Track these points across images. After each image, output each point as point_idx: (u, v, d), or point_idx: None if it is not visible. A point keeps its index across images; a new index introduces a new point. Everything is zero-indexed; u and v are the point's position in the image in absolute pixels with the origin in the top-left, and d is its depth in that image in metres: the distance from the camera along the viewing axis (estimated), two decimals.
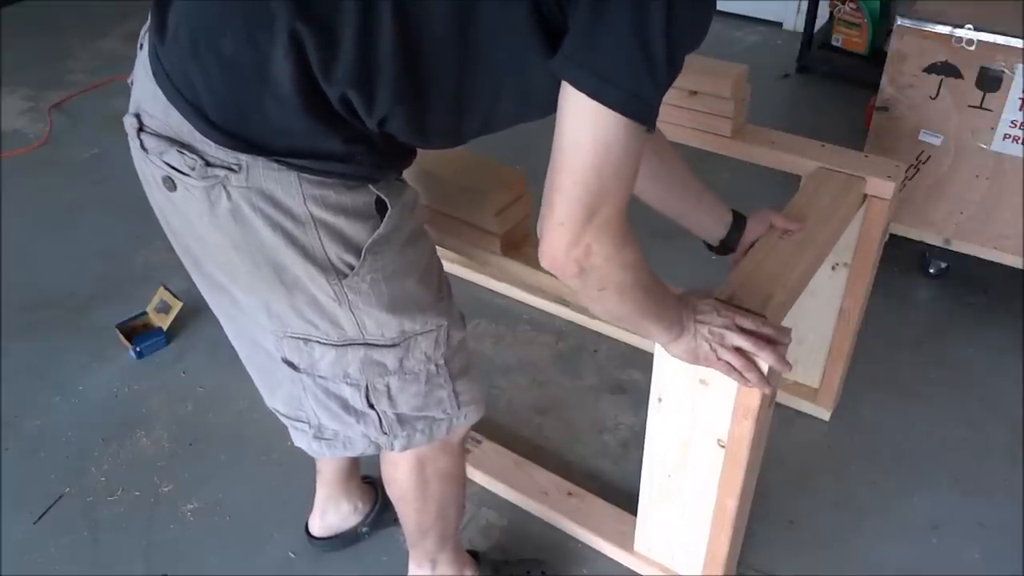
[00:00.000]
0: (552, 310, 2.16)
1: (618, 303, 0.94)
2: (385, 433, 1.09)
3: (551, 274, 0.87)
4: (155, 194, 0.94)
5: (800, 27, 3.40)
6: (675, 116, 1.64)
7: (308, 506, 1.58)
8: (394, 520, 1.60)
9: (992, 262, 2.04)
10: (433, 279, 1.04)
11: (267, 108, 0.82)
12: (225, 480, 1.74)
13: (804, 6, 3.32)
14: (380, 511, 1.58)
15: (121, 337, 2.06)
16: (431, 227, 1.37)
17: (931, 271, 2.22)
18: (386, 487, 1.27)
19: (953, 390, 1.92)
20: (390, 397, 1.05)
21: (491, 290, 2.24)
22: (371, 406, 1.05)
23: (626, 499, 1.60)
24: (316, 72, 0.79)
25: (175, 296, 2.08)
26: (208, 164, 0.84)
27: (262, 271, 0.91)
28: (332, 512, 1.56)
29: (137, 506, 1.70)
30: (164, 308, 2.09)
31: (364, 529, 1.58)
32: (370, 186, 0.90)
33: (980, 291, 2.19)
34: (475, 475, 1.71)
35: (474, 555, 1.48)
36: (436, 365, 1.06)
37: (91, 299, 2.24)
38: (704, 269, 2.29)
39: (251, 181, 0.84)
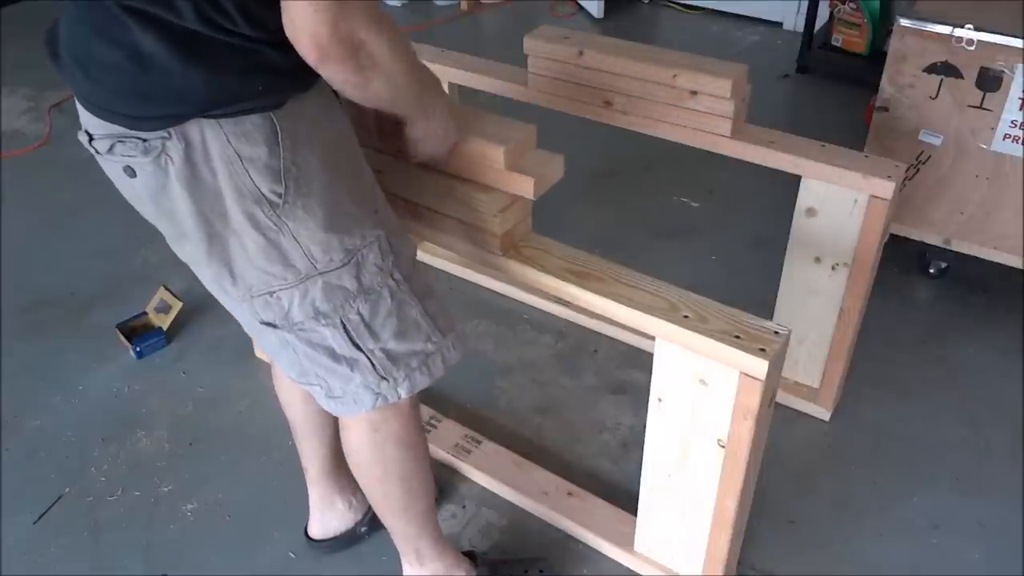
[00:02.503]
0: (552, 310, 2.16)
1: (386, 83, 0.97)
2: (384, 378, 1.12)
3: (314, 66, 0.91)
4: (126, 189, 1.02)
5: (800, 27, 3.40)
6: (675, 116, 1.64)
7: (308, 506, 1.58)
8: None
9: (992, 262, 2.04)
10: (363, 193, 1.08)
11: (163, 82, 0.89)
12: (225, 480, 1.74)
13: (804, 6, 3.32)
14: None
15: (121, 337, 2.06)
16: (430, 226, 1.37)
17: (931, 271, 2.22)
18: (348, 461, 1.29)
19: (953, 390, 1.92)
20: (368, 327, 1.08)
21: (491, 290, 2.24)
22: (357, 347, 1.09)
23: (626, 499, 1.60)
24: (167, 17, 0.86)
25: (175, 296, 2.08)
26: (146, 141, 0.92)
27: (215, 226, 0.98)
28: (328, 512, 1.56)
29: (137, 506, 1.70)
30: (164, 308, 2.09)
31: (363, 528, 1.58)
32: (271, 114, 0.94)
33: (980, 291, 2.19)
34: (475, 475, 1.71)
35: (472, 556, 1.48)
36: (394, 279, 1.09)
37: (91, 299, 2.24)
38: (704, 269, 2.30)
39: (185, 140, 0.92)
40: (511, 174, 1.24)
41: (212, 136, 0.91)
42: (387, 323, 1.10)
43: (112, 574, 1.58)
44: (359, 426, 1.21)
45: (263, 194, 0.95)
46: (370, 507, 1.58)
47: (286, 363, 1.14)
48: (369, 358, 1.10)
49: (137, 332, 2.07)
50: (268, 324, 1.07)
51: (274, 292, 1.03)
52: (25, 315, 2.19)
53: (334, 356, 1.09)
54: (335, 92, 1.09)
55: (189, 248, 1.03)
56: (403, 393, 1.15)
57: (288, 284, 1.02)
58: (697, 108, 1.61)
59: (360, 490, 1.58)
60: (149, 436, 1.85)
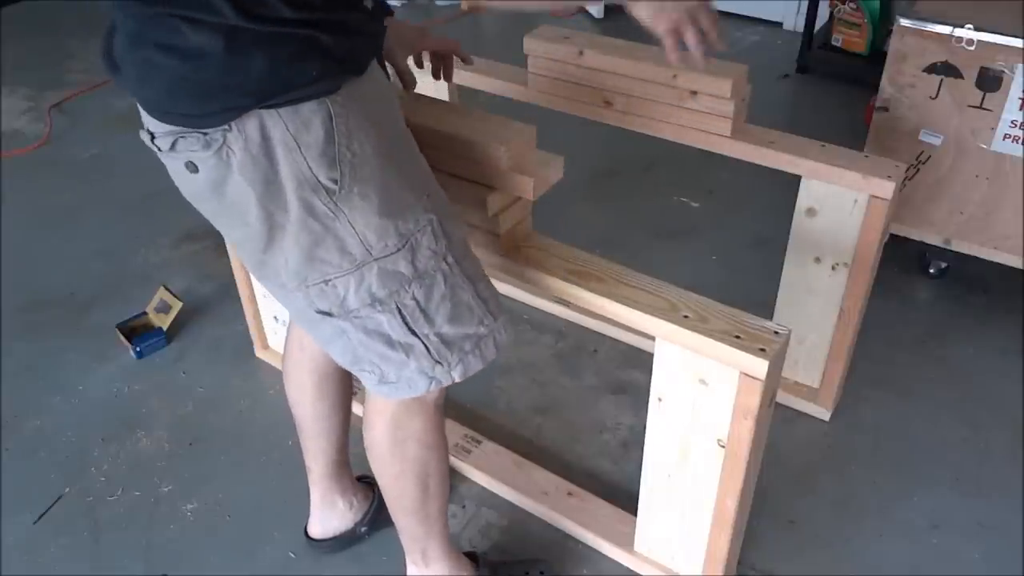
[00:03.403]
0: (552, 310, 2.16)
1: None
2: (439, 362, 1.12)
3: None
4: (187, 185, 1.02)
5: (800, 27, 3.40)
6: (675, 116, 1.64)
7: (308, 506, 1.58)
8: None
9: (992, 262, 2.04)
10: (416, 178, 1.07)
11: (217, 79, 0.89)
12: (225, 480, 1.74)
13: (804, 6, 3.32)
14: (378, 510, 1.58)
15: (121, 337, 2.06)
16: None
17: (931, 271, 2.22)
18: (368, 455, 1.29)
19: (953, 390, 1.92)
20: (424, 312, 1.08)
21: None
22: (412, 332, 1.09)
23: (626, 499, 1.60)
24: (211, 19, 0.86)
25: (175, 296, 2.08)
26: (206, 134, 0.93)
27: (276, 217, 0.98)
28: (329, 512, 1.56)
29: (137, 506, 1.70)
30: (164, 308, 2.09)
31: (363, 529, 1.58)
32: (327, 99, 0.94)
33: (980, 291, 2.19)
34: (475, 475, 1.71)
35: (473, 557, 1.48)
36: (447, 263, 1.09)
37: (91, 299, 2.24)
38: (704, 269, 2.30)
39: (244, 132, 0.92)
40: (511, 174, 1.24)
41: (271, 125, 0.92)
42: (441, 307, 1.10)
43: (112, 574, 1.58)
44: (383, 421, 1.22)
45: (320, 181, 0.95)
46: (370, 508, 1.58)
47: (339, 351, 1.14)
48: (424, 343, 1.10)
49: (137, 332, 2.07)
50: (324, 313, 1.07)
51: (330, 280, 1.03)
52: (25, 315, 2.19)
53: (390, 343, 1.09)
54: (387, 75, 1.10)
55: (249, 243, 1.03)
56: (457, 377, 1.15)
57: (344, 271, 1.02)
58: (697, 108, 1.61)
59: (361, 491, 1.59)
60: (149, 436, 1.85)
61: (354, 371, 1.17)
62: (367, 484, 1.61)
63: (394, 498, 1.32)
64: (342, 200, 0.98)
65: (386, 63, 1.22)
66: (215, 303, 2.19)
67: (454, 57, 1.51)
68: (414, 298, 1.07)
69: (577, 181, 2.48)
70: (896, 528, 1.63)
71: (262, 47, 0.89)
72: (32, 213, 2.55)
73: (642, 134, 1.72)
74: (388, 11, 1.13)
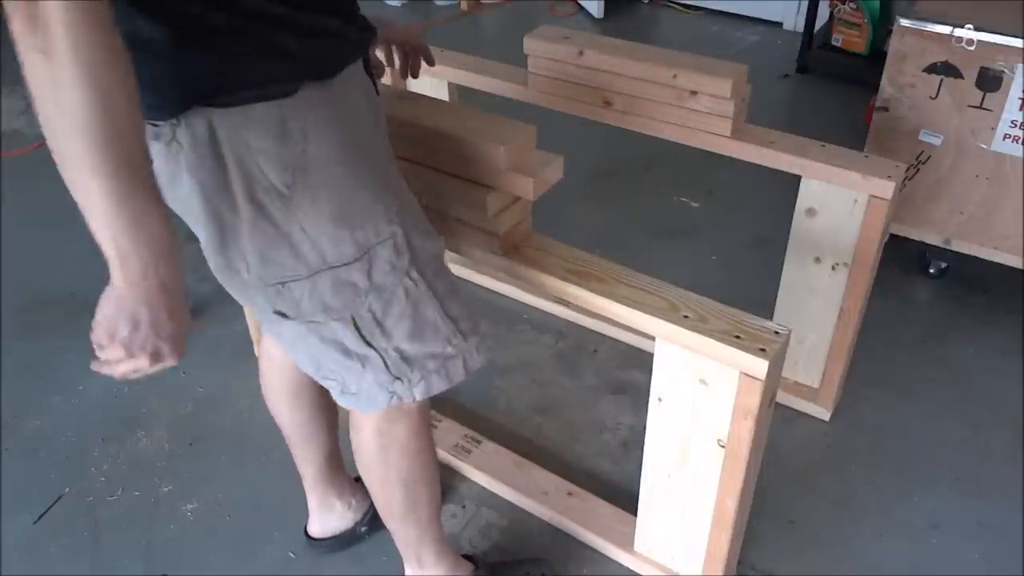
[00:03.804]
0: (552, 310, 2.16)
1: (52, 86, 0.72)
2: (398, 378, 1.10)
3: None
4: None
5: (800, 27, 3.40)
6: (675, 116, 1.64)
7: (308, 506, 1.58)
8: None
9: (992, 262, 2.04)
10: (384, 189, 1.04)
11: (167, 70, 0.86)
12: (225, 480, 1.74)
13: (804, 6, 3.32)
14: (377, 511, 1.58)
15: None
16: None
17: (931, 271, 2.22)
18: (355, 460, 1.27)
19: (953, 390, 1.92)
20: (380, 325, 1.06)
21: (491, 290, 2.24)
22: (368, 344, 1.07)
23: (626, 499, 1.60)
24: (166, 3, 0.83)
25: None
26: (157, 127, 0.90)
27: (225, 216, 0.96)
28: (327, 513, 1.56)
29: (137, 506, 1.70)
30: None
31: (363, 528, 1.58)
32: (281, 102, 0.90)
33: (980, 291, 2.19)
34: (475, 475, 1.71)
35: (471, 559, 1.48)
36: (410, 278, 1.06)
37: (91, 299, 2.21)
38: (704, 269, 2.30)
39: (192, 128, 0.90)
40: (511, 174, 1.24)
41: (220, 125, 0.89)
42: (401, 323, 1.07)
43: (112, 574, 1.58)
44: (369, 427, 1.20)
45: (272, 184, 0.93)
46: (370, 507, 1.58)
47: (302, 357, 1.13)
48: (382, 356, 1.08)
49: None
50: (281, 314, 1.05)
51: (285, 283, 1.01)
52: (25, 315, 2.19)
53: (346, 352, 1.08)
54: (374, 86, 1.08)
55: (206, 242, 1.01)
56: (418, 395, 1.13)
57: (298, 276, 1.00)
58: (697, 108, 1.61)
59: (360, 491, 1.59)
60: (149, 436, 1.85)
61: (318, 379, 1.15)
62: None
63: (382, 504, 1.31)
64: (295, 205, 0.95)
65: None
66: (215, 303, 2.19)
67: (420, 57, 1.49)
68: (370, 310, 1.05)
69: (577, 181, 2.48)
70: (896, 528, 1.63)
71: (214, 42, 0.86)
72: (32, 213, 2.55)
73: (642, 134, 1.72)
74: (371, 31, 1.07)
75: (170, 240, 0.82)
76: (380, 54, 1.44)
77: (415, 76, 1.48)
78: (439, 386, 1.14)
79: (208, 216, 0.96)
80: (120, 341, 0.85)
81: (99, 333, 0.85)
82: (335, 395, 1.15)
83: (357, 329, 1.06)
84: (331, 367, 1.10)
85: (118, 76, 0.74)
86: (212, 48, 0.86)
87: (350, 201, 0.99)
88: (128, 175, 0.77)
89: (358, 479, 1.61)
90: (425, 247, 1.09)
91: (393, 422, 1.19)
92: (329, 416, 1.47)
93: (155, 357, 0.87)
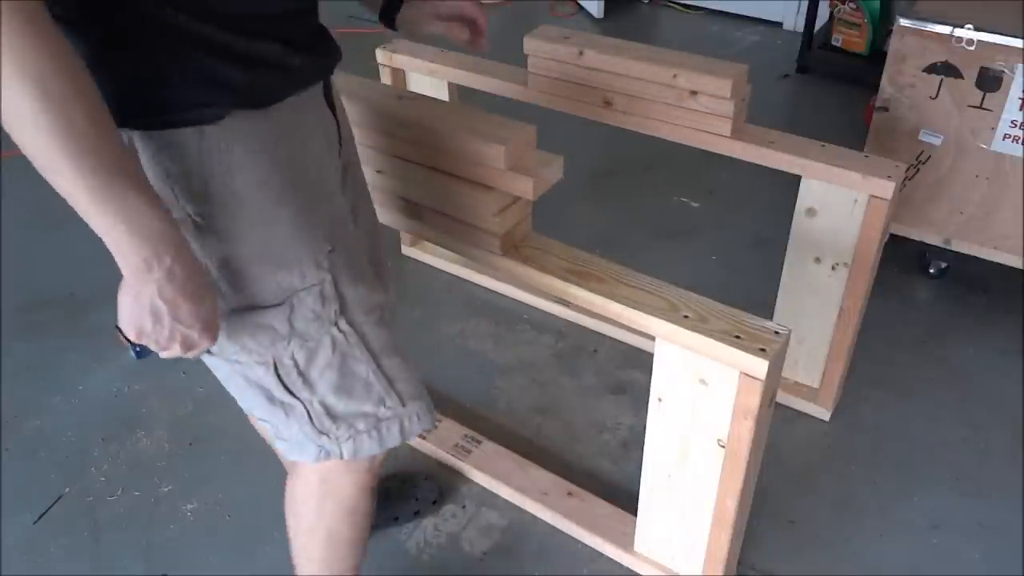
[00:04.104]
0: (552, 310, 2.16)
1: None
2: (323, 432, 1.04)
3: None
4: None
5: (800, 27, 3.40)
6: (675, 116, 1.64)
7: None
8: (394, 520, 1.61)
9: (992, 262, 2.04)
10: (318, 231, 0.95)
11: None
12: (225, 480, 1.74)
13: (804, 6, 3.32)
14: (377, 510, 1.56)
15: (121, 337, 2.06)
16: (430, 226, 1.37)
17: (931, 271, 2.22)
18: (286, 496, 1.21)
19: (953, 390, 1.92)
20: (302, 375, 0.99)
21: (491, 290, 2.24)
22: (291, 393, 1.01)
23: (626, 499, 1.60)
24: (83, 24, 0.78)
25: None
26: None
27: None
28: None
29: (137, 506, 1.70)
30: None
31: None
32: (205, 129, 0.84)
33: (980, 291, 2.19)
34: (475, 475, 1.71)
35: None
36: (339, 330, 0.99)
37: (91, 299, 2.24)
38: (704, 269, 2.30)
39: None
40: (511, 174, 1.24)
41: (140, 147, 0.83)
42: (326, 375, 1.00)
43: (112, 574, 1.58)
44: (313, 473, 1.13)
45: (188, 214, 0.87)
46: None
47: (235, 394, 1.06)
48: (306, 407, 1.02)
49: None
50: (207, 352, 0.99)
51: None
52: (25, 315, 2.19)
53: (270, 397, 1.01)
54: (335, 116, 1.01)
55: None
56: (346, 454, 1.06)
57: (219, 312, 0.90)
58: (697, 108, 1.61)
59: None
60: (149, 436, 1.85)
61: (254, 417, 1.09)
62: None
63: (298, 549, 1.23)
64: (211, 239, 0.88)
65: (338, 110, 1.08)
66: None
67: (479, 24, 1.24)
68: (292, 358, 0.98)
69: (577, 181, 2.48)
70: (896, 528, 1.63)
71: (135, 61, 0.80)
72: (32, 213, 2.55)
73: (642, 134, 1.72)
74: (336, 53, 1.00)
75: (166, 227, 0.78)
76: (438, 30, 1.23)
77: (482, 48, 1.25)
78: (370, 448, 1.07)
79: None
80: (147, 335, 0.84)
81: (126, 328, 0.84)
82: (270, 439, 1.09)
83: (278, 376, 0.99)
84: (257, 410, 1.04)
85: (68, 76, 0.70)
86: (133, 67, 0.80)
87: (272, 241, 0.92)
88: (105, 172, 0.74)
89: None
90: (361, 298, 1.01)
91: (341, 473, 1.12)
92: None
93: (187, 345, 0.85)
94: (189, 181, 0.85)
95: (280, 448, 1.09)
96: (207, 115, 0.84)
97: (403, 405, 1.08)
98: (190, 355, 0.88)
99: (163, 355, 0.88)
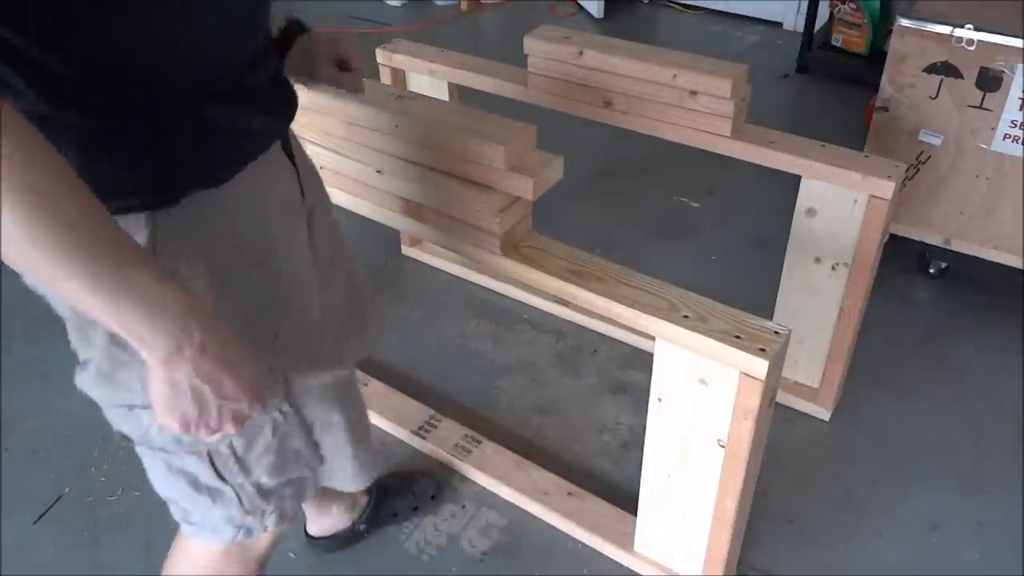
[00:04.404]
0: (552, 310, 2.15)
1: None
2: (249, 512, 0.99)
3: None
4: None
5: (800, 27, 3.40)
6: (675, 116, 1.64)
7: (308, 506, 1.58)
8: (392, 516, 1.61)
9: (992, 262, 2.04)
10: (263, 314, 0.89)
11: None
12: None
13: (804, 6, 3.32)
14: (375, 507, 1.58)
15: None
16: (430, 226, 1.37)
17: (931, 271, 2.22)
18: (168, 558, 1.13)
19: (953, 390, 1.92)
20: (240, 462, 0.94)
21: (491, 290, 2.24)
22: (223, 479, 0.94)
23: (626, 499, 1.60)
24: (22, 97, 0.68)
25: None
26: None
27: (85, 327, 0.86)
28: (324, 516, 1.55)
29: (137, 506, 1.69)
30: None
31: (362, 526, 1.58)
32: (154, 214, 0.75)
33: (980, 291, 2.19)
34: (475, 475, 1.71)
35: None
36: (281, 412, 0.94)
37: None
38: (704, 269, 2.30)
39: None
40: (511, 174, 1.24)
41: None
42: (263, 458, 0.95)
43: (112, 574, 1.58)
44: (192, 559, 1.08)
45: None
46: (368, 505, 1.58)
47: (152, 477, 0.98)
48: (236, 492, 0.96)
49: None
50: (124, 438, 0.93)
51: (133, 407, 0.88)
52: (25, 315, 2.19)
53: (195, 485, 0.94)
54: (294, 165, 0.94)
55: (63, 315, 0.89)
56: (270, 525, 1.02)
57: (148, 404, 0.79)
58: (697, 108, 1.61)
59: (360, 495, 1.58)
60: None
61: (161, 495, 1.01)
62: None
63: None
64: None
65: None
66: None
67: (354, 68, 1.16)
68: (230, 446, 0.92)
69: (577, 181, 2.48)
70: (896, 528, 1.63)
71: (74, 142, 0.71)
72: None
73: (642, 134, 1.72)
74: (295, 100, 0.94)
75: (187, 300, 0.70)
76: (324, 74, 1.14)
77: (360, 89, 1.18)
78: (292, 510, 1.04)
79: (67, 317, 0.86)
80: (196, 424, 0.75)
81: (168, 422, 0.75)
82: (177, 519, 1.02)
83: (212, 465, 0.93)
84: (175, 496, 0.97)
85: (44, 170, 0.62)
86: (68, 150, 0.69)
87: None
88: (104, 259, 0.64)
89: None
90: (305, 376, 0.97)
91: (229, 563, 1.07)
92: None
93: (239, 420, 0.78)
94: None
95: (185, 530, 1.02)
96: (158, 199, 0.76)
97: (322, 462, 1.05)
98: (242, 430, 0.80)
99: (215, 438, 0.79)
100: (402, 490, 1.65)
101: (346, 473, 1.11)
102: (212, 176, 0.79)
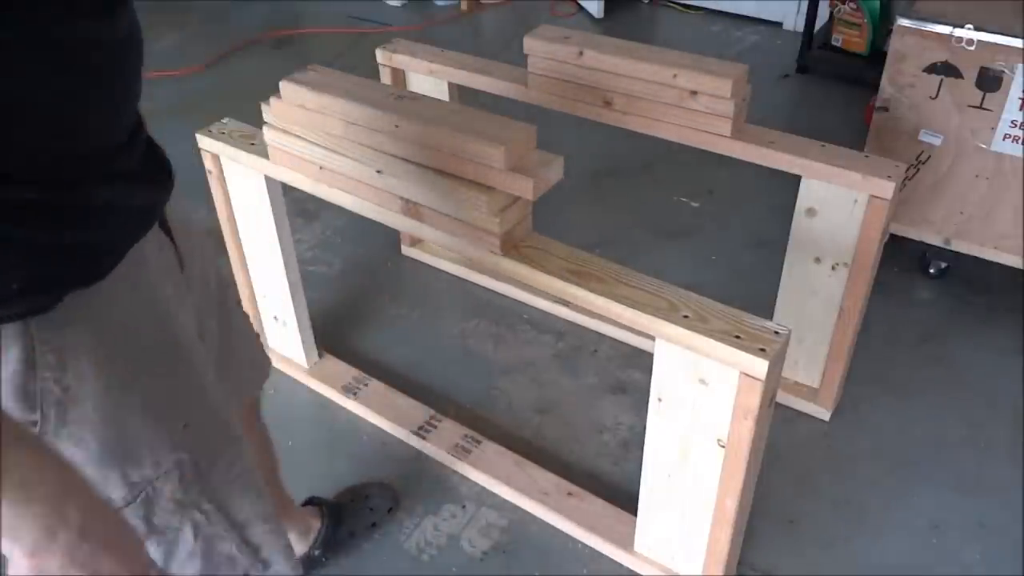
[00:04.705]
0: (552, 310, 2.15)
1: None
2: None
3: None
4: None
5: (800, 27, 3.40)
6: (675, 116, 1.64)
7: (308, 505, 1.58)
8: (350, 536, 1.57)
9: (992, 262, 2.04)
10: (170, 406, 0.82)
11: None
12: None
13: (804, 6, 3.32)
14: (330, 531, 1.53)
15: None
16: (430, 227, 1.37)
17: (931, 271, 2.22)
18: None
19: (953, 390, 1.92)
20: (161, 574, 0.86)
21: (491, 290, 2.24)
22: None
23: (626, 499, 1.60)
24: None
25: None
26: None
27: None
28: None
29: None
30: None
31: (317, 551, 1.52)
32: (31, 321, 0.67)
33: (980, 291, 2.19)
34: (475, 475, 1.71)
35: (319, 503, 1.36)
36: (201, 512, 0.85)
37: None
38: (704, 269, 2.30)
39: None
40: (511, 174, 1.24)
41: None
42: (189, 565, 0.86)
43: None
44: None
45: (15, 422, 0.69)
46: (320, 532, 1.52)
47: None
48: None
49: None
50: None
51: None
52: None
53: None
54: (171, 238, 0.85)
55: None
56: None
57: None
58: (697, 108, 1.61)
59: (308, 516, 1.53)
60: None
61: None
62: (315, 507, 1.57)
63: None
64: (47, 443, 0.72)
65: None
66: None
67: None
68: (149, 558, 0.80)
69: (577, 181, 2.48)
70: (896, 528, 1.63)
71: None
72: None
73: (642, 134, 1.72)
74: (169, 169, 0.84)
75: (64, 474, 0.60)
76: None
77: None
78: None
79: None
80: None
81: None
82: None
83: None
84: None
85: None
86: None
87: (123, 431, 0.77)
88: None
89: (306, 504, 1.57)
90: (224, 466, 0.88)
91: None
92: (267, 445, 1.38)
93: None
94: (13, 385, 0.69)
95: None
96: (32, 305, 0.67)
97: (267, 568, 0.96)
98: None
99: None
100: (357, 508, 1.61)
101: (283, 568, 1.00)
102: (96, 268, 0.71)
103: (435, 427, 1.79)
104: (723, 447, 1.23)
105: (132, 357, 0.77)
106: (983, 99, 1.86)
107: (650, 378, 1.27)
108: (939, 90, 1.90)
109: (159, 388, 0.80)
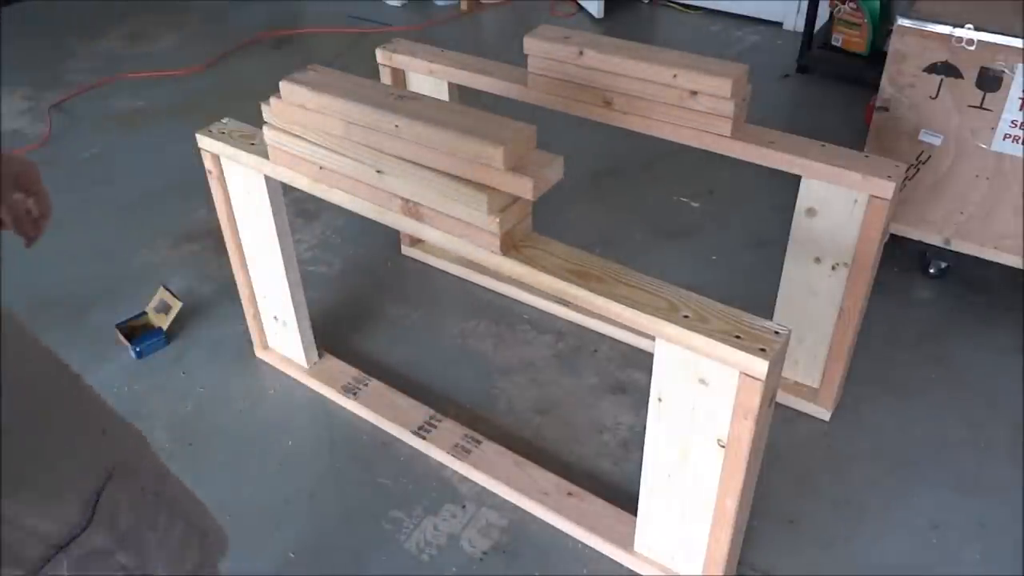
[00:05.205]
0: (552, 310, 2.15)
1: None
2: None
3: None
4: None
5: (800, 27, 3.40)
6: (675, 116, 1.64)
7: (307, 506, 1.58)
8: None
9: (992, 262, 2.04)
10: (82, 424, 0.83)
11: None
12: (225, 480, 1.74)
13: (804, 6, 3.32)
14: None
15: (121, 337, 2.06)
16: (430, 227, 1.37)
17: (931, 271, 2.22)
18: None
19: (953, 390, 1.92)
20: None
21: (491, 290, 2.24)
22: None
23: (626, 499, 1.60)
24: None
25: (175, 296, 2.08)
26: None
27: None
28: None
29: None
30: (164, 308, 2.09)
31: None
32: None
33: (980, 291, 2.19)
34: (475, 475, 1.71)
35: None
36: (151, 498, 0.89)
37: (91, 299, 2.23)
38: (704, 269, 2.30)
39: None
40: (511, 174, 1.24)
41: None
42: (158, 557, 0.88)
43: None
44: None
45: None
46: None
47: None
48: None
49: (137, 332, 2.07)
50: None
51: None
52: (25, 315, 2.19)
53: None
54: None
55: None
56: None
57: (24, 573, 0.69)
58: (697, 108, 1.61)
59: None
60: (149, 436, 1.82)
61: None
62: None
63: None
64: None
65: None
66: (215, 303, 2.19)
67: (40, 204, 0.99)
68: (123, 568, 0.84)
69: (577, 181, 2.48)
70: (896, 528, 1.63)
71: None
72: None
73: (642, 134, 1.72)
74: None
75: None
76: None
77: (34, 236, 1.02)
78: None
79: None
80: None
81: None
82: None
83: None
84: None
85: None
86: None
87: (42, 461, 0.79)
88: None
89: None
90: (144, 462, 0.88)
91: None
92: None
93: None
94: None
95: None
96: None
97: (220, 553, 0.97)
98: None
99: None
100: None
101: None
102: None
103: (435, 427, 1.79)
104: (723, 447, 1.23)
105: (22, 399, 0.74)
106: (983, 99, 1.86)
107: (650, 378, 1.27)
108: (939, 90, 1.90)
109: (63, 411, 0.80)
